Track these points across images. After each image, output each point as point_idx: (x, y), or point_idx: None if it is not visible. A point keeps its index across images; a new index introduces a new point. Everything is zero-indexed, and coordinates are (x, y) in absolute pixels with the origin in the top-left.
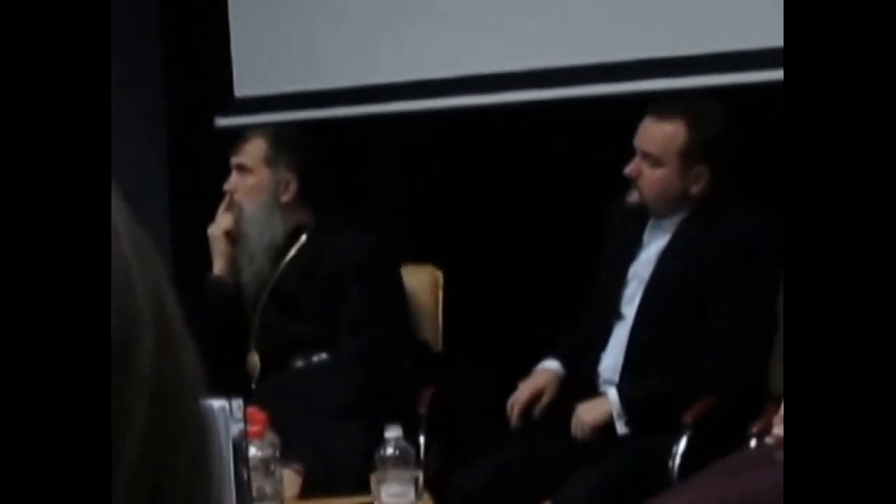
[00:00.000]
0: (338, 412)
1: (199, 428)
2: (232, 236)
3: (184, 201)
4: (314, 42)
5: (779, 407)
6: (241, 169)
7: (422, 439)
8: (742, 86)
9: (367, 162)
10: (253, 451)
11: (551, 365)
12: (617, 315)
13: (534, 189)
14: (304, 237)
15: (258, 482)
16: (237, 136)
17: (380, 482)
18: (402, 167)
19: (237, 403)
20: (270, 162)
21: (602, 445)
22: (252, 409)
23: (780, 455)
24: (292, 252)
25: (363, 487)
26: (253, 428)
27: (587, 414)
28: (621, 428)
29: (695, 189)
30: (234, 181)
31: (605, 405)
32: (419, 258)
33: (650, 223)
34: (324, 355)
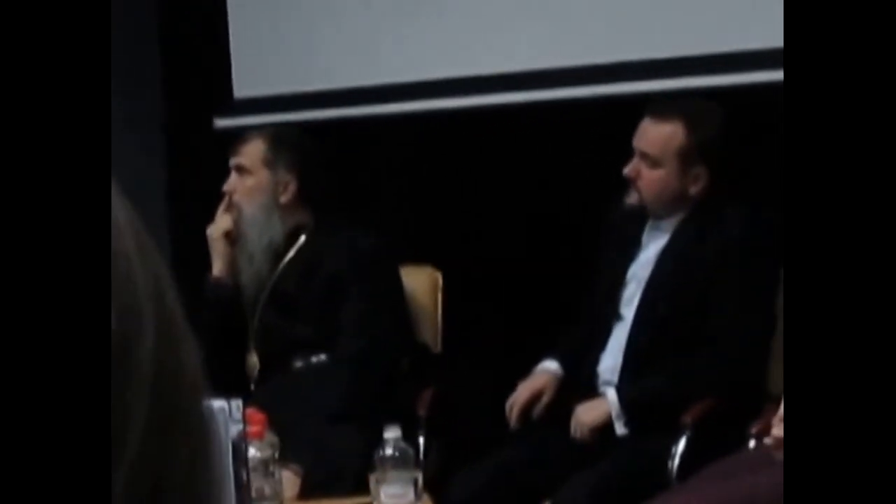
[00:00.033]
0: (337, 413)
1: (201, 423)
2: (231, 237)
3: (183, 202)
4: (313, 43)
5: (778, 408)
6: (241, 170)
7: (421, 440)
8: (740, 86)
9: (366, 163)
10: (252, 451)
11: (550, 366)
12: (616, 316)
13: (533, 190)
14: (303, 238)
15: (257, 483)
16: (236, 137)
17: (379, 483)
18: (401, 168)
19: (236, 404)
20: (269, 163)
21: (601, 446)
22: (251, 410)
23: (779, 456)
24: (291, 253)
25: (362, 488)
26: (252, 429)
27: (586, 415)
28: (620, 429)
29: (693, 190)
30: (233, 182)
31: (604, 406)
32: (418, 259)
33: (649, 224)
34: (323, 356)
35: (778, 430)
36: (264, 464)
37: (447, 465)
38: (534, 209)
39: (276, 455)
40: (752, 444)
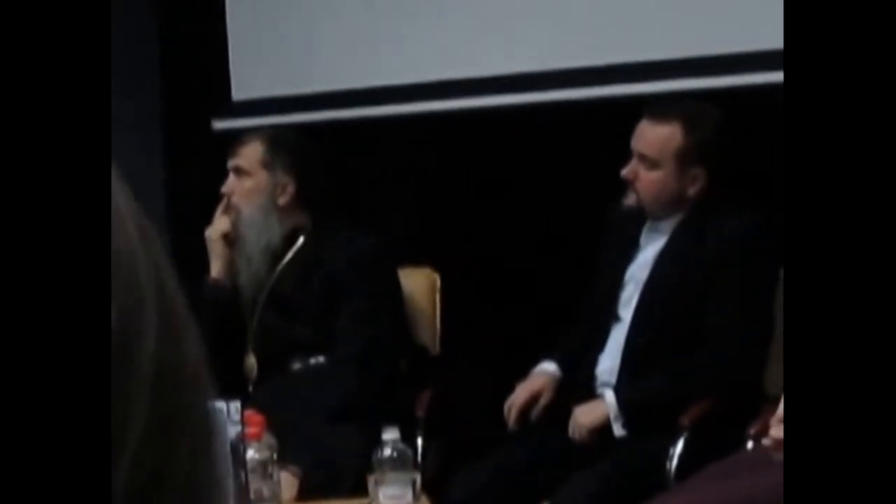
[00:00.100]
0: (335, 414)
1: (203, 419)
2: (229, 239)
3: (181, 204)
4: (311, 45)
5: (776, 409)
6: (239, 172)
7: (419, 441)
8: (738, 88)
9: (364, 165)
10: (250, 453)
11: (548, 367)
12: (614, 317)
13: (531, 191)
14: (301, 240)
15: (256, 484)
16: (235, 139)
17: (377, 484)
18: (400, 170)
19: (235, 406)
20: (268, 165)
21: (599, 447)
22: (249, 412)
23: (777, 457)
24: (290, 255)
25: (361, 489)
26: (250, 430)
27: (584, 416)
28: (618, 430)
29: (691, 191)
30: (231, 184)
31: (602, 407)
32: (417, 261)
33: (647, 225)
34: (321, 358)
35: (776, 431)
36: (263, 465)
37: (446, 466)
38: (532, 210)
39: (275, 456)
40: (750, 445)
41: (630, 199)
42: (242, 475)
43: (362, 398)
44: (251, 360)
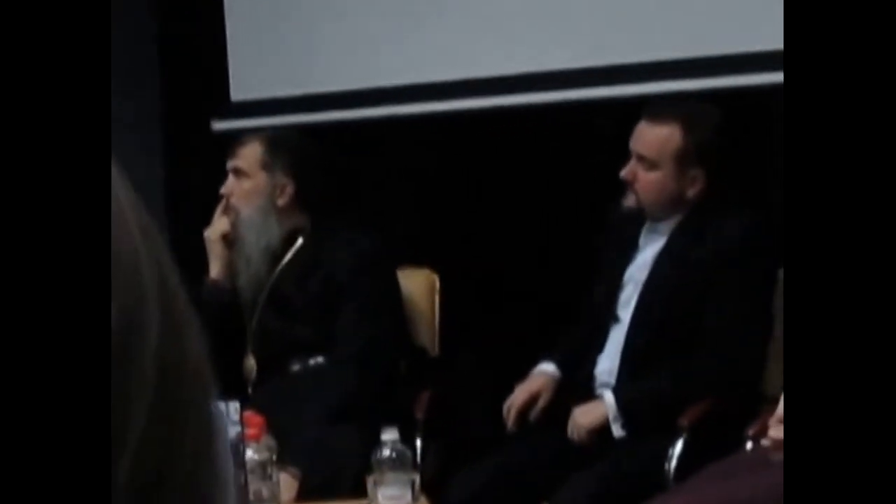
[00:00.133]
0: (334, 415)
1: (205, 413)
2: (228, 240)
3: (180, 205)
4: (310, 46)
5: (774, 409)
6: (238, 173)
7: (419, 442)
8: (737, 89)
9: (363, 165)
10: (250, 454)
11: (547, 368)
12: (613, 318)
13: (530, 192)
14: (300, 241)
15: (255, 485)
16: (234, 140)
17: (377, 485)
18: (399, 170)
19: (234, 407)
20: (267, 166)
21: (598, 448)
22: (249, 413)
23: (776, 457)
24: (289, 256)
25: (360, 490)
26: (250, 431)
27: (583, 417)
28: (617, 431)
29: (690, 192)
30: (230, 185)
31: (601, 408)
32: (416, 262)
33: (646, 226)
34: (320, 358)
35: (775, 432)
36: (262, 466)
37: (445, 466)
38: (531, 211)
39: (274, 457)
40: (749, 445)
41: (629, 200)
42: (242, 476)
43: (361, 399)
44: (250, 361)
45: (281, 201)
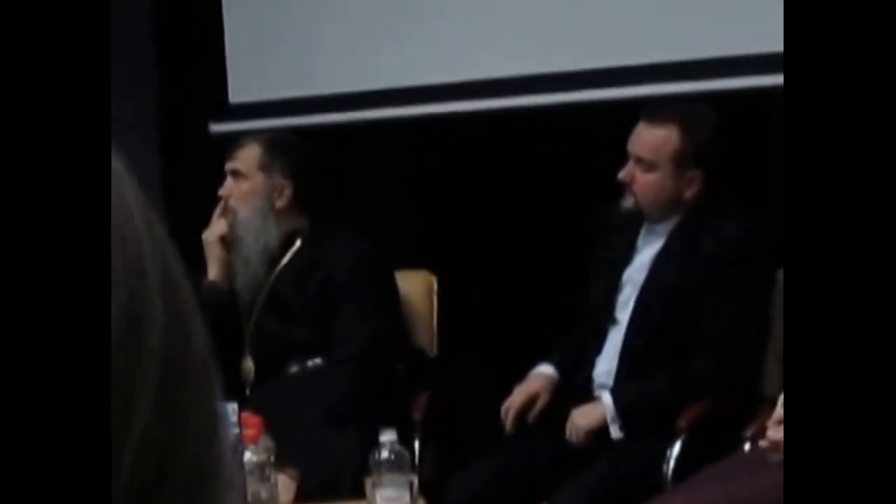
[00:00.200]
0: (333, 417)
1: (209, 410)
2: (227, 241)
3: (178, 206)
4: (308, 48)
5: (772, 410)
6: (236, 174)
7: (417, 444)
8: (735, 90)
9: (361, 167)
10: (248, 455)
11: (546, 370)
12: (611, 320)
13: (528, 194)
14: (298, 242)
15: (253, 487)
16: (232, 142)
17: (375, 486)
18: (397, 172)
19: (232, 408)
20: (265, 167)
21: (596, 450)
22: (247, 414)
23: (774, 458)
24: (287, 257)
25: (358, 492)
26: (248, 433)
27: (582, 418)
28: (616, 432)
29: (688, 194)
30: (228, 187)
31: (599, 410)
32: (414, 263)
33: (644, 228)
34: (318, 360)
35: (773, 433)
36: (260, 468)
37: (443, 468)
38: (529, 213)
39: (272, 459)
40: (747, 447)
41: (627, 202)
42: (240, 478)
43: (360, 400)
44: (248, 363)
45: (279, 203)
